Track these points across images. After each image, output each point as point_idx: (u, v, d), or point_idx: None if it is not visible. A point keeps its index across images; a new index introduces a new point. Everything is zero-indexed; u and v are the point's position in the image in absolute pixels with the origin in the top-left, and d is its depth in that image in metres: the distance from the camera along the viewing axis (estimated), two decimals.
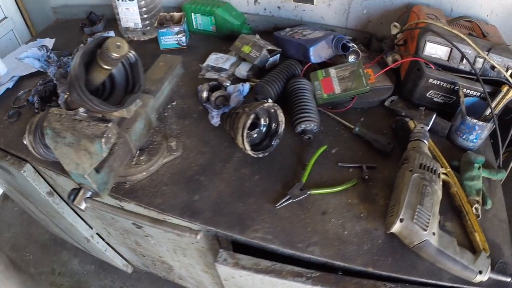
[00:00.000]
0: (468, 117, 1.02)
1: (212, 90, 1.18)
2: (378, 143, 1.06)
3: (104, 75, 0.76)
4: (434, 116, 1.11)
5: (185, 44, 1.46)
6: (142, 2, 1.45)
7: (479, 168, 0.98)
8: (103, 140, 0.78)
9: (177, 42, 1.45)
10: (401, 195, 0.86)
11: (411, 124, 1.09)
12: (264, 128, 1.07)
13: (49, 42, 1.55)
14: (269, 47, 1.29)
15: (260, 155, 1.02)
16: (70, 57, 1.34)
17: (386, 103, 1.20)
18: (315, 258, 0.88)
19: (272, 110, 1.03)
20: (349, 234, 0.90)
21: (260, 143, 1.07)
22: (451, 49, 1.10)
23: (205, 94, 1.18)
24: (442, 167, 0.99)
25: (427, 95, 1.14)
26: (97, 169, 0.83)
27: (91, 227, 1.50)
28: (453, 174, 0.98)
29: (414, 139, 1.00)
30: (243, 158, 1.05)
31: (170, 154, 1.06)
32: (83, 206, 0.84)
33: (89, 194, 0.85)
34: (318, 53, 1.22)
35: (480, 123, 1.01)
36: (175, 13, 1.46)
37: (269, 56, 1.27)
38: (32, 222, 2.08)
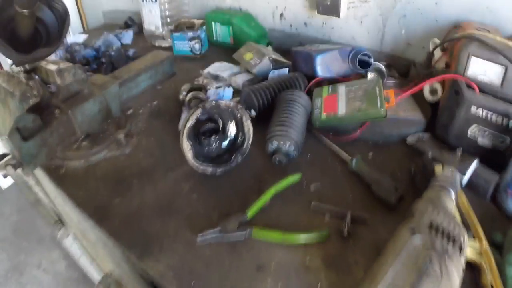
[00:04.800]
0: None
1: (192, 91, 0.91)
2: (380, 187, 0.67)
3: (27, 20, 0.62)
4: (475, 162, 0.69)
5: (198, 52, 1.23)
6: (166, 5, 1.29)
7: None
8: (17, 94, 0.65)
9: (190, 49, 1.23)
10: (382, 267, 0.47)
11: (437, 168, 0.69)
12: (229, 139, 0.75)
13: (82, 36, 1.46)
14: (274, 56, 0.99)
15: (209, 171, 0.70)
16: (81, 45, 1.21)
17: (409, 140, 0.81)
18: None
19: (238, 116, 0.72)
20: None
21: (219, 157, 0.75)
22: (506, 68, 0.70)
23: (182, 95, 0.91)
24: (473, 238, 0.57)
25: (469, 132, 0.73)
26: (26, 137, 0.68)
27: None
28: (491, 255, 0.55)
29: (435, 186, 0.60)
30: (191, 172, 0.73)
31: (118, 149, 0.82)
32: (2, 172, 0.68)
33: (13, 162, 0.68)
34: (328, 65, 0.89)
35: None
36: (195, 20, 1.26)
37: (272, 67, 0.98)
38: (40, 212, 1.97)
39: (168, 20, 1.31)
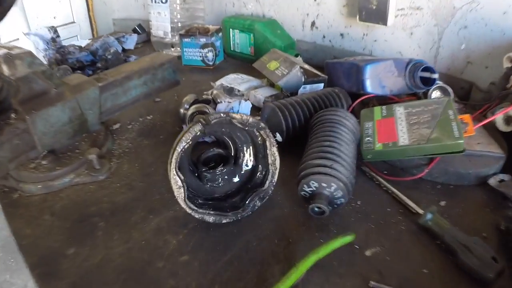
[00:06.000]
0: None
1: (196, 104, 0.69)
2: (471, 257, 0.43)
3: None
4: None
5: (211, 63, 1.02)
6: (178, 8, 1.09)
7: None
8: None
9: (202, 58, 1.02)
10: None
11: None
12: (243, 172, 0.52)
13: (84, 42, 1.28)
14: (306, 66, 0.77)
15: (209, 219, 0.46)
16: (76, 47, 1.03)
17: (492, 182, 0.56)
18: None
19: (259, 139, 0.48)
20: None
21: (227, 198, 0.51)
22: None
23: (183, 109, 0.69)
24: None
25: None
26: None
27: None
28: None
29: None
30: (184, 219, 0.49)
31: (88, 174, 0.59)
32: None
33: None
34: (380, 78, 0.66)
35: None
36: (210, 26, 1.06)
37: (303, 79, 0.75)
38: None
39: (179, 25, 1.11)
